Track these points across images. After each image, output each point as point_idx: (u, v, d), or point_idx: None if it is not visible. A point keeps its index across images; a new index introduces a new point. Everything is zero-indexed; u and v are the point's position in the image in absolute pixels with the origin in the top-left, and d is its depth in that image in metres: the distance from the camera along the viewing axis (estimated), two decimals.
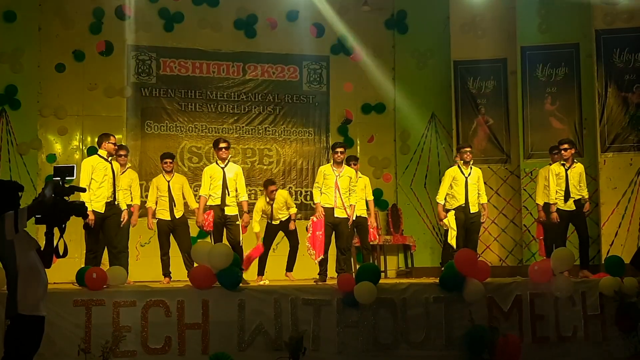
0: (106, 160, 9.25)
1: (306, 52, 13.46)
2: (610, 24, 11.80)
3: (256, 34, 13.24)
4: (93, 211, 8.90)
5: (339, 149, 10.08)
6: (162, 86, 12.80)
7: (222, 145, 9.81)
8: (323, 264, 9.92)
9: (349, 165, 10.39)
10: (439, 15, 13.32)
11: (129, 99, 12.60)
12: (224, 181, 9.65)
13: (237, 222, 9.72)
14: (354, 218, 10.13)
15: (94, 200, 8.97)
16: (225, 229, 9.68)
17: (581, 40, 12.18)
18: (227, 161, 9.82)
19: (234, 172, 9.82)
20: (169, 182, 10.29)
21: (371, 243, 10.98)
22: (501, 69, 12.77)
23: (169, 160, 10.43)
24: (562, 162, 10.15)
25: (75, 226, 4.81)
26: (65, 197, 4.73)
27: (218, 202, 9.63)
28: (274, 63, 13.38)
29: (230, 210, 9.67)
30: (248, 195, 12.49)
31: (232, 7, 13.14)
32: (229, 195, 9.66)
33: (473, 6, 12.72)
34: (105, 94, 12.44)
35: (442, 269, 10.61)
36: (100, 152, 9.34)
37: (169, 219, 10.17)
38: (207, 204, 9.70)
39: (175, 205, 10.21)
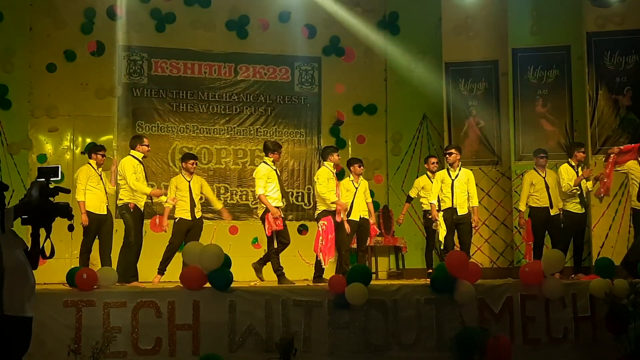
0: (140, 162, 9.71)
1: (298, 53, 13.46)
2: (601, 27, 11.84)
3: (248, 34, 13.24)
4: (137, 207, 9.57)
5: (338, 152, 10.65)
6: (154, 87, 12.78)
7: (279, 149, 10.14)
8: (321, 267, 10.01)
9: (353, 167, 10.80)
10: (431, 17, 13.33)
11: (120, 99, 12.58)
12: (279, 182, 9.90)
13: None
14: (357, 219, 10.44)
15: (139, 199, 9.64)
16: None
17: (572, 43, 12.22)
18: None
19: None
20: (189, 182, 10.30)
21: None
22: (492, 71, 12.78)
23: (194, 162, 10.48)
24: (572, 164, 10.23)
25: (64, 227, 4.77)
26: (50, 198, 4.71)
27: (280, 203, 9.84)
28: (266, 64, 13.38)
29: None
30: (240, 196, 12.56)
31: (224, 7, 13.12)
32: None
33: (465, 8, 12.75)
34: (97, 95, 12.41)
35: (429, 271, 10.78)
36: (134, 153, 9.75)
37: (190, 219, 10.18)
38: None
39: (195, 206, 10.25)
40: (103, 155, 10.10)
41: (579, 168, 10.34)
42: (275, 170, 9.94)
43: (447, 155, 10.49)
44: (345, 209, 10.15)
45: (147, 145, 9.92)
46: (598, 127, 11.66)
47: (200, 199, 10.48)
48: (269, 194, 9.72)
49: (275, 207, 9.69)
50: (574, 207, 10.23)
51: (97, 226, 9.81)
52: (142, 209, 9.73)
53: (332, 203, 10.08)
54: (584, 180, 10.29)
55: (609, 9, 11.77)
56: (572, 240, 10.28)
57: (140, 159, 9.75)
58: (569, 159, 10.46)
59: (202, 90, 13.03)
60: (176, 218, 10.23)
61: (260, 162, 10.32)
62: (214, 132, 12.99)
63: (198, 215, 10.30)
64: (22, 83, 12.01)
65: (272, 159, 9.99)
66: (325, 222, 10.01)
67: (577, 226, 10.26)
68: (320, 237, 10.00)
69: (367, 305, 8.01)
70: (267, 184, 9.74)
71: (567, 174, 10.30)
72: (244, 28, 13.20)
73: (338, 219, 10.03)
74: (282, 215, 9.81)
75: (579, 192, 10.24)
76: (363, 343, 7.99)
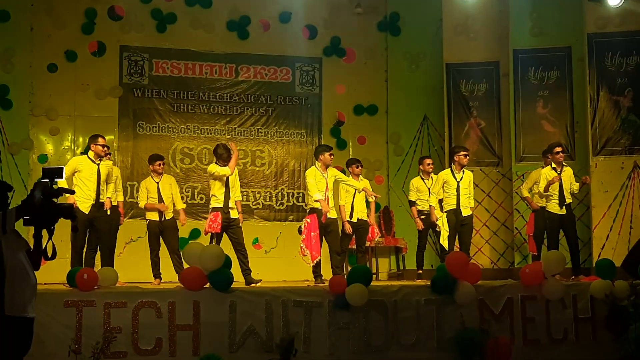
0: (93, 161, 9.46)
1: (299, 54, 13.47)
2: (602, 28, 11.83)
3: (249, 35, 13.23)
4: (78, 209, 9.11)
5: (332, 152, 10.19)
6: (154, 87, 12.78)
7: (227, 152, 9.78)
8: (317, 266, 9.89)
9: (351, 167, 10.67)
10: (432, 17, 13.34)
11: (121, 99, 12.58)
12: (226, 183, 9.63)
13: (240, 224, 9.72)
14: (355, 220, 10.30)
15: (85, 200, 9.29)
16: (227, 232, 9.63)
17: (573, 44, 12.21)
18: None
19: (234, 173, 9.84)
20: (158, 183, 10.29)
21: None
22: (493, 72, 12.78)
23: (161, 162, 10.45)
24: (553, 167, 10.20)
25: (65, 228, 4.77)
26: (53, 199, 4.70)
27: (221, 204, 9.59)
28: (267, 64, 13.38)
29: (234, 213, 9.66)
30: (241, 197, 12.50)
31: (225, 8, 13.12)
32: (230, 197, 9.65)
33: (466, 9, 12.75)
34: (97, 95, 12.41)
35: (419, 272, 10.77)
36: (89, 153, 9.57)
37: (158, 219, 10.17)
38: (212, 206, 9.65)
39: None
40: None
41: (560, 170, 10.23)
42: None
43: (463, 157, 10.40)
44: (327, 211, 9.81)
45: (102, 145, 9.54)
46: (599, 129, 11.65)
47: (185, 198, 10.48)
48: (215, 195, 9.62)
49: (218, 207, 9.54)
50: (553, 207, 10.16)
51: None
52: (85, 211, 9.27)
53: (316, 201, 9.85)
54: (573, 183, 10.25)
55: (609, 10, 11.76)
56: (566, 241, 10.22)
57: (93, 157, 9.46)
58: (551, 163, 10.37)
59: (202, 90, 13.03)
60: (147, 220, 10.29)
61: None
62: (215, 133, 12.98)
63: (168, 216, 10.27)
64: (23, 83, 12.01)
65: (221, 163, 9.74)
66: (309, 220, 9.85)
67: (559, 226, 10.17)
68: (303, 235, 9.92)
69: (368, 305, 8.01)
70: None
71: (543, 178, 10.26)
72: (244, 28, 13.20)
73: (323, 220, 9.85)
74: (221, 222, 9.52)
75: (553, 192, 10.15)
76: (363, 344, 7.99)
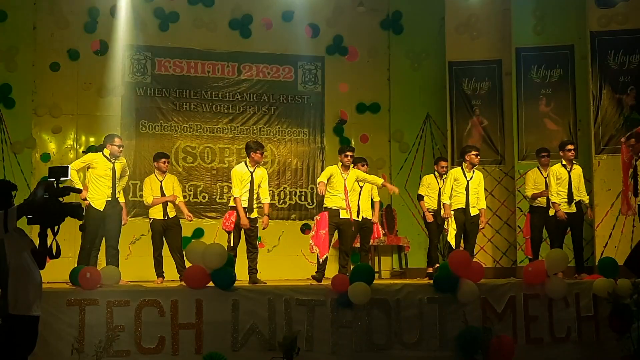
0: (108, 159, 9.42)
1: (301, 53, 13.44)
2: (605, 26, 11.82)
3: (251, 34, 13.23)
4: (90, 205, 9.18)
5: (348, 153, 10.15)
6: (157, 86, 12.77)
7: (260, 149, 9.73)
8: (323, 263, 9.91)
9: (357, 166, 10.59)
10: (434, 16, 13.34)
11: (124, 98, 12.56)
12: (251, 184, 9.59)
13: (257, 225, 9.65)
14: (360, 219, 10.33)
15: (99, 197, 9.27)
16: (245, 230, 9.55)
17: (576, 42, 12.20)
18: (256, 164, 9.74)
19: (260, 174, 9.77)
20: (161, 182, 10.29)
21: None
22: (496, 70, 12.76)
23: (166, 160, 10.45)
24: (563, 164, 10.20)
25: (69, 226, 4.76)
26: (59, 198, 4.70)
27: (245, 204, 9.52)
28: (269, 63, 13.36)
29: (255, 213, 9.62)
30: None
31: (227, 7, 13.12)
32: (255, 198, 9.62)
33: (468, 7, 12.75)
34: (100, 94, 12.41)
35: (428, 270, 10.80)
36: (104, 151, 9.50)
37: (162, 218, 10.16)
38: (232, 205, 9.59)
39: (168, 205, 10.22)
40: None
41: (570, 167, 10.24)
42: (252, 172, 9.62)
43: (474, 156, 10.40)
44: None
45: (118, 146, 9.48)
46: (602, 127, 11.64)
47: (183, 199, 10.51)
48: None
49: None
50: (562, 205, 10.15)
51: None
52: (100, 208, 9.26)
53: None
54: (581, 182, 10.28)
55: (612, 8, 11.76)
56: (572, 239, 10.22)
57: (109, 156, 9.40)
58: (562, 160, 10.38)
59: (205, 89, 13.02)
60: (150, 219, 10.28)
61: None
62: (217, 132, 12.99)
63: (172, 214, 10.24)
64: (26, 82, 12.01)
65: (251, 159, 9.64)
66: (318, 217, 9.98)
67: (567, 225, 10.16)
68: (312, 232, 10.02)
69: (370, 304, 8.03)
70: (242, 186, 9.55)
71: (553, 175, 10.23)
72: (247, 27, 13.20)
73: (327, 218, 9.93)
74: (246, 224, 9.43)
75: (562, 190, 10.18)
76: (366, 342, 8.01)
